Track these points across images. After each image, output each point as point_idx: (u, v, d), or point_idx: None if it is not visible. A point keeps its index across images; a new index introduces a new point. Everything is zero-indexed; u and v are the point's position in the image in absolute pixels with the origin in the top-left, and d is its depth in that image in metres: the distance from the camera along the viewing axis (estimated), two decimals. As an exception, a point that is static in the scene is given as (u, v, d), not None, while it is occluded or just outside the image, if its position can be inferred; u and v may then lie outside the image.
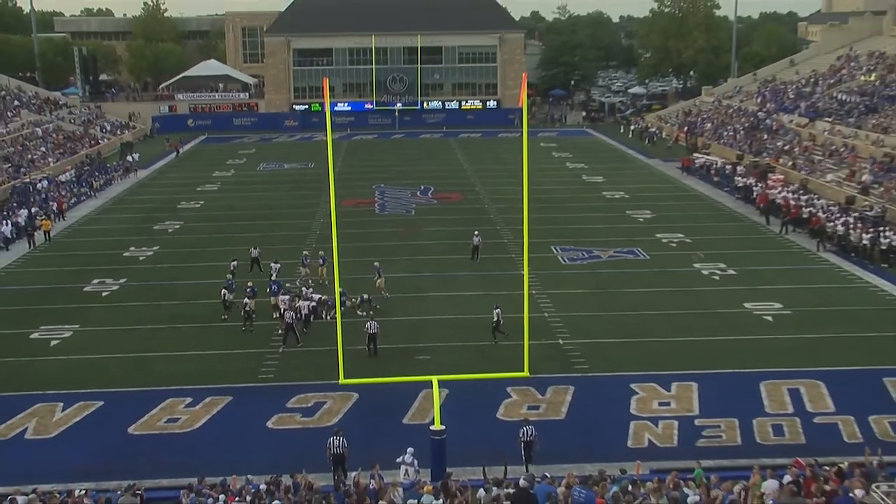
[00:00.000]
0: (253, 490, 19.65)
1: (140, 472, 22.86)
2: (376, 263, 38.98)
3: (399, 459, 21.78)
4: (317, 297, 35.28)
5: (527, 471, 22.68)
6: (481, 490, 18.91)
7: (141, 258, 45.75)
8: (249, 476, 21.35)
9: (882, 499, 16.40)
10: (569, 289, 38.85)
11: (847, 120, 67.56)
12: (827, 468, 19.35)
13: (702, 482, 19.01)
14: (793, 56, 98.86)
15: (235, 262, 40.64)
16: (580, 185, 65.19)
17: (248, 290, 35.49)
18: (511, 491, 18.22)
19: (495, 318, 32.59)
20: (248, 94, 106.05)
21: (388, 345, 32.16)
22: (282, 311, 33.79)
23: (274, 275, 38.78)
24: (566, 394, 27.71)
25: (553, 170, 71.11)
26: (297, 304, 33.92)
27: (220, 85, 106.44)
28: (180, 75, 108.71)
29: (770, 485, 18.12)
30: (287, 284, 37.72)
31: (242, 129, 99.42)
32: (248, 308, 34.40)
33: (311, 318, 34.12)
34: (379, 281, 37.76)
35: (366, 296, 36.26)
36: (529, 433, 23.19)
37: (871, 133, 62.10)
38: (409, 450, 21.90)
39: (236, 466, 22.75)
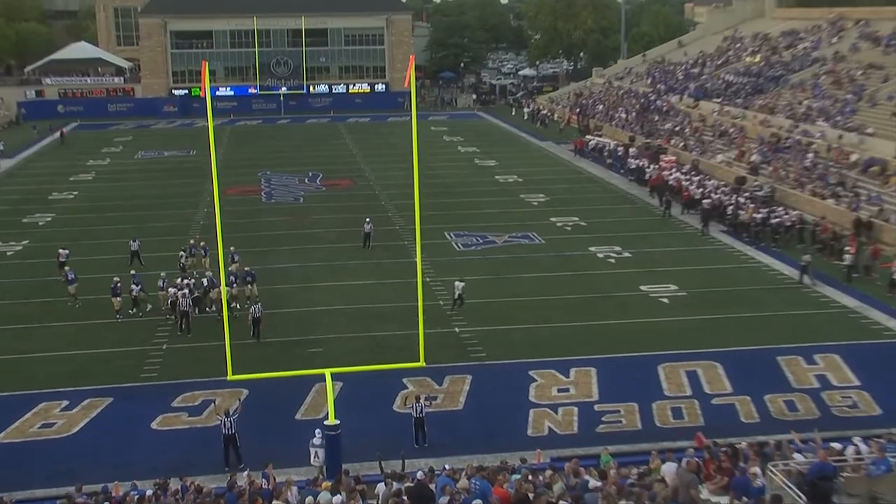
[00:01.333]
0: (137, 496, 18.98)
1: (10, 484, 21.80)
2: (231, 248, 38.33)
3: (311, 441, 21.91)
4: (205, 280, 34.91)
5: (423, 443, 23.39)
6: (381, 485, 18.73)
7: (9, 253, 43.89)
8: (135, 481, 20.66)
9: (778, 477, 16.85)
10: (464, 275, 38.90)
11: (735, 100, 69.66)
12: (725, 449, 19.81)
13: (609, 468, 19.20)
14: (681, 37, 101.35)
15: (184, 254, 39.47)
16: (472, 169, 65.51)
17: (112, 286, 34.37)
18: (410, 485, 18.09)
19: (459, 292, 33.82)
20: (122, 78, 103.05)
21: (278, 337, 31.75)
22: (169, 301, 33.55)
23: (181, 262, 38.60)
24: (464, 383, 27.73)
25: (445, 154, 71.27)
26: (210, 291, 33.84)
27: (94, 69, 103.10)
28: (48, 58, 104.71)
29: (668, 468, 18.41)
30: (162, 274, 36.73)
31: (118, 116, 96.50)
32: (136, 296, 34.10)
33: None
34: (234, 266, 37.15)
35: (248, 268, 36.09)
36: (420, 409, 23.62)
37: (758, 113, 64.14)
38: (318, 431, 22.00)
39: (119, 472, 21.99)
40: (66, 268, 37.34)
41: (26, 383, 28.21)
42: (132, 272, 36.30)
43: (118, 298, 34.24)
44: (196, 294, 33.87)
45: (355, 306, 35.24)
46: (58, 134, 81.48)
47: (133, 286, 34.74)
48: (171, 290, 33.85)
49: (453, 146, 76.13)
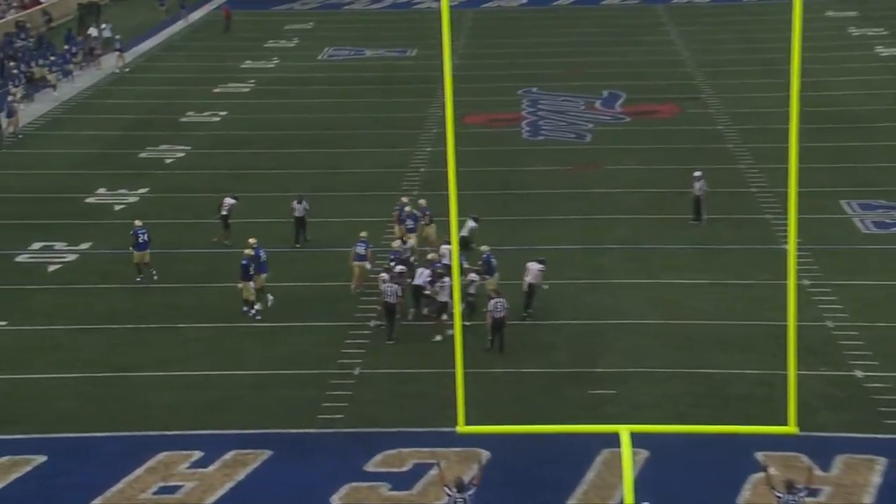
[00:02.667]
0: None
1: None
2: (421, 202, 38.59)
3: None
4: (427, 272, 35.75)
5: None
6: None
7: (116, 207, 47.03)
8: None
9: None
10: (874, 278, 38.13)
11: None
12: None
13: None
14: None
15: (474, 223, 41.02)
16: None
17: (243, 263, 35.87)
18: None
19: None
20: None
21: (543, 367, 32.21)
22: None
23: (465, 232, 39.41)
24: (870, 471, 26.90)
25: (851, 60, 70.05)
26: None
27: None
28: None
29: None
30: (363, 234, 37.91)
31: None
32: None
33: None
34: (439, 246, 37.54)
35: (485, 248, 36.58)
36: (796, 501, 23.18)
37: None
38: None
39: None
40: (138, 224, 39.22)
41: (136, 419, 29.80)
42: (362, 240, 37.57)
43: (250, 284, 35.87)
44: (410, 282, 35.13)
45: (675, 322, 35.18)
46: (219, 13, 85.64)
47: (390, 277, 35.45)
48: (384, 275, 35.19)
49: (867, 46, 74.77)
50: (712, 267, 39.52)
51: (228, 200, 42.39)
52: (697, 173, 44.35)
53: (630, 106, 61.92)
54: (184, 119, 60.48)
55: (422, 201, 41.70)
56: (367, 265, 37.10)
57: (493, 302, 32.95)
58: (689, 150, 52.29)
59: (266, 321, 35.75)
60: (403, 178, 49.30)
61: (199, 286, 38.59)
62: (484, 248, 37.08)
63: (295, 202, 42.82)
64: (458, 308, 23.47)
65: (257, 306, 36.14)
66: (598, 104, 62.44)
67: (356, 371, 32.47)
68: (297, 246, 41.45)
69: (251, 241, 37.29)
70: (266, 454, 28.04)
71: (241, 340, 34.74)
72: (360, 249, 37.07)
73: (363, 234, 37.80)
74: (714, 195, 43.90)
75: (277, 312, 36.12)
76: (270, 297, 36.56)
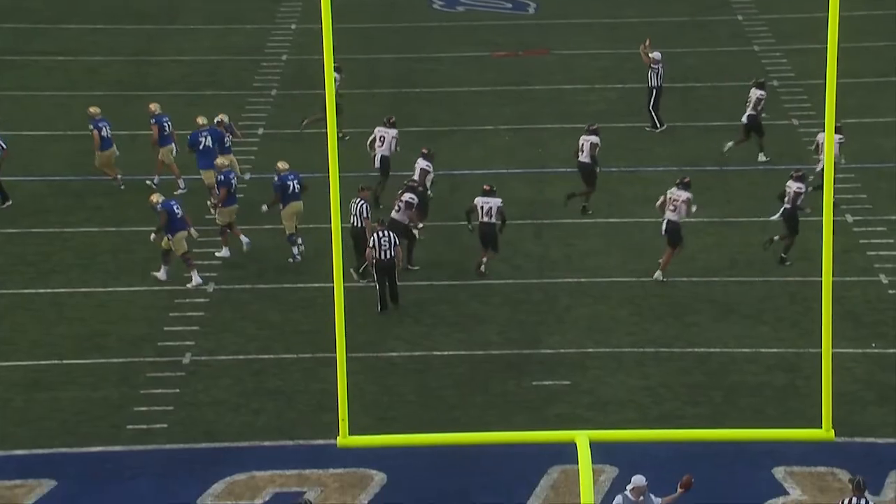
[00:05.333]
0: None
1: None
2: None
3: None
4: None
5: None
6: None
7: None
8: None
9: None
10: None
11: None
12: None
13: None
14: None
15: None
16: None
17: None
18: None
19: None
20: None
21: (464, 348, 32.56)
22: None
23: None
24: None
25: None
26: None
27: None
28: None
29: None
30: None
31: None
32: None
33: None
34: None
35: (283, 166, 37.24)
36: None
37: None
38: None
39: None
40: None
41: None
42: None
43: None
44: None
45: (655, 279, 35.64)
46: None
47: None
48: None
49: None
50: (705, 197, 39.36)
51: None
52: (655, 54, 44.92)
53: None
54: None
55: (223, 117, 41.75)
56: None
57: (375, 238, 33.25)
58: (684, 24, 52.99)
59: (48, 285, 35.90)
60: (257, 70, 49.69)
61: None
62: (282, 164, 37.47)
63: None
64: (339, 266, 23.85)
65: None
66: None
67: (186, 358, 32.54)
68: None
69: None
70: (48, 485, 28.02)
71: (10, 313, 34.77)
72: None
73: (201, 119, 38.84)
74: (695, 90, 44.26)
75: (63, 274, 36.28)
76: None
